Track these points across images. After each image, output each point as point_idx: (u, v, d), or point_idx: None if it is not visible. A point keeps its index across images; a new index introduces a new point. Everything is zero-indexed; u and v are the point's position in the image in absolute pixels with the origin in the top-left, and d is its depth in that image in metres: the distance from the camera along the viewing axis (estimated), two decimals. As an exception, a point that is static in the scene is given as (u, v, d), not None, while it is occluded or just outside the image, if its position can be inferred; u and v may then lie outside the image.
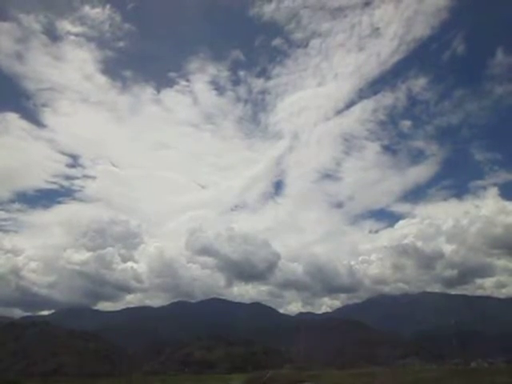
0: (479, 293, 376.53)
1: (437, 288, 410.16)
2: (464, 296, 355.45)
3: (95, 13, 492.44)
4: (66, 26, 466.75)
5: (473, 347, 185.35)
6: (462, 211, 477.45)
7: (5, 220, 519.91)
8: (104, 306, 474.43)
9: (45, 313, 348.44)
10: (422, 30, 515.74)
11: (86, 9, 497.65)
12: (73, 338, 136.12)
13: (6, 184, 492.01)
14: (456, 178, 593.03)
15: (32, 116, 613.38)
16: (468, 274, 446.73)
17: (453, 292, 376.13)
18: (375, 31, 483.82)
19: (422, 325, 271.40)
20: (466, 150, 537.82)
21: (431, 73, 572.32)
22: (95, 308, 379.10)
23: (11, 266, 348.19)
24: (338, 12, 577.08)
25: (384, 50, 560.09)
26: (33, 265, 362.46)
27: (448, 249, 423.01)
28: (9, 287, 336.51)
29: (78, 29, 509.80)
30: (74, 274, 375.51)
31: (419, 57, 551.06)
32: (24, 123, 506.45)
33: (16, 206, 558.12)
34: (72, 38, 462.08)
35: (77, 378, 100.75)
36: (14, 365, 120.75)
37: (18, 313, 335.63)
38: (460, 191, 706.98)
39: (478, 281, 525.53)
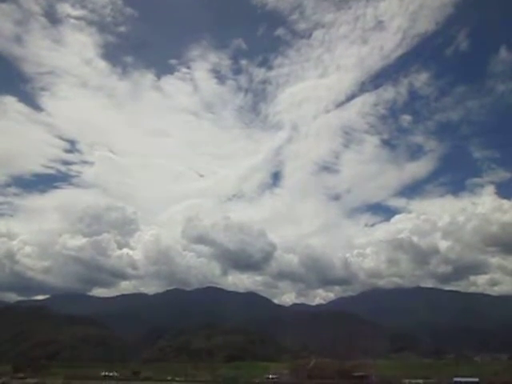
0: (472, 289, 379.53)
1: (430, 283, 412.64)
2: (457, 292, 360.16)
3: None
4: (66, 9, 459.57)
5: (464, 342, 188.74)
6: (459, 208, 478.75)
7: (0, 204, 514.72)
8: (99, 292, 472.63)
9: (40, 297, 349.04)
10: (426, 24, 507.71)
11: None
12: (71, 323, 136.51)
13: (2, 167, 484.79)
14: (454, 175, 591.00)
15: (30, 100, 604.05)
16: (462, 270, 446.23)
17: (446, 288, 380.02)
18: (379, 24, 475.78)
19: (415, 319, 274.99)
20: (465, 147, 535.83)
21: (433, 68, 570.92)
22: (90, 294, 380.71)
23: (6, 250, 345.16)
24: (342, 3, 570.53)
25: (387, 44, 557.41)
26: (28, 249, 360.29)
27: (443, 245, 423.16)
28: (3, 271, 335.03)
29: (78, 12, 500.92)
30: (70, 260, 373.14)
31: (422, 51, 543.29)
32: (22, 107, 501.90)
33: (12, 189, 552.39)
34: (72, 21, 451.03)
35: (78, 363, 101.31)
36: (13, 348, 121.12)
37: (12, 297, 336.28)
38: (457, 188, 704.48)
39: (472, 278, 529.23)
